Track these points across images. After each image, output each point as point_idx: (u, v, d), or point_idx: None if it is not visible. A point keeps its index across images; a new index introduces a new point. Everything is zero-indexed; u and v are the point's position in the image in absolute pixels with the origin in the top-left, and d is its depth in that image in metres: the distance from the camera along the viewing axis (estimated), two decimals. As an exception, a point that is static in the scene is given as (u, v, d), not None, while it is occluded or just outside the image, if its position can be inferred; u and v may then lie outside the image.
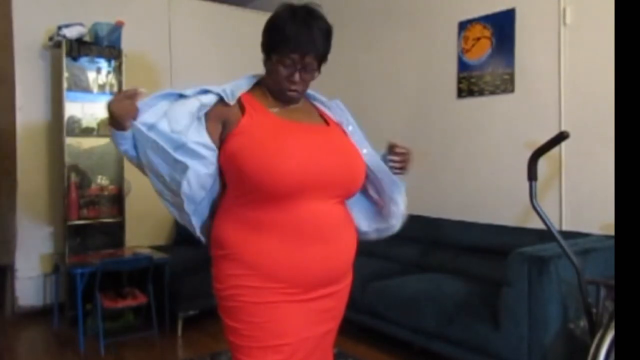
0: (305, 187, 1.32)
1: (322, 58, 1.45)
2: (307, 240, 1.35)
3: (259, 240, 1.34)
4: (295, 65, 1.39)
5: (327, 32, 1.45)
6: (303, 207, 1.33)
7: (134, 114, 1.33)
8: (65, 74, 3.88)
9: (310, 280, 1.38)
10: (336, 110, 1.57)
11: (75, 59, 3.97)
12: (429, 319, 2.87)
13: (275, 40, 1.40)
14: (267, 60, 1.45)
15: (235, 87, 1.43)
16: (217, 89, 1.40)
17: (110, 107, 1.32)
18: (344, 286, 1.49)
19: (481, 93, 3.58)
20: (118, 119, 1.32)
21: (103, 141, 4.22)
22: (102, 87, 4.15)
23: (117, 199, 4.10)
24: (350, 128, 1.55)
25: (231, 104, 1.38)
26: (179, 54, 4.65)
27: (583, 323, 2.37)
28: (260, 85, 1.48)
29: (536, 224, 2.74)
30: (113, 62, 4.12)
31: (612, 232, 2.65)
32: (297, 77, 1.41)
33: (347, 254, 1.46)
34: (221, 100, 1.39)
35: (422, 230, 3.77)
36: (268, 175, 1.29)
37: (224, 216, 1.41)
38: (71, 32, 3.85)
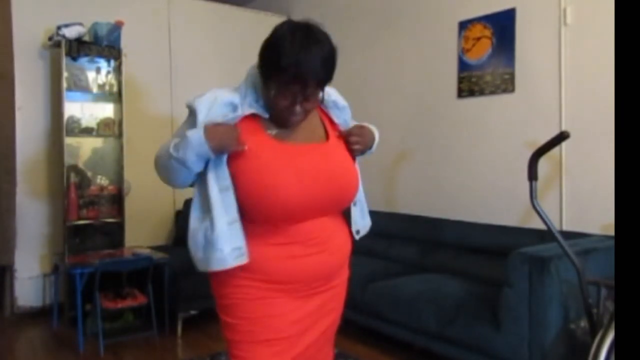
0: (300, 213, 1.36)
1: (325, 84, 1.37)
2: (304, 251, 1.39)
3: (258, 249, 1.37)
4: (296, 96, 1.30)
5: (329, 57, 1.33)
6: (299, 226, 1.38)
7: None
8: (65, 74, 3.88)
9: (307, 281, 1.43)
10: (335, 112, 1.54)
11: (74, 58, 3.97)
12: (429, 319, 2.87)
13: (273, 70, 1.29)
14: (264, 82, 1.35)
15: (242, 103, 1.38)
16: (238, 110, 1.36)
17: (223, 136, 1.30)
18: (340, 282, 1.53)
19: (481, 93, 3.57)
20: (223, 148, 1.31)
21: (103, 141, 4.22)
22: (101, 87, 4.14)
23: (117, 199, 4.09)
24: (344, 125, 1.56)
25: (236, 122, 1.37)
26: (179, 54, 4.65)
27: (584, 323, 2.37)
28: (257, 99, 1.39)
29: (536, 224, 2.74)
30: (113, 62, 4.12)
31: (612, 232, 2.65)
32: (297, 108, 1.33)
33: (341, 254, 1.51)
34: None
35: (422, 230, 3.77)
36: (261, 205, 1.33)
37: None
38: (71, 32, 3.85)
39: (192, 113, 1.37)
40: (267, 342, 1.38)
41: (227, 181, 1.33)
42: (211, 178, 1.33)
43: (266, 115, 1.38)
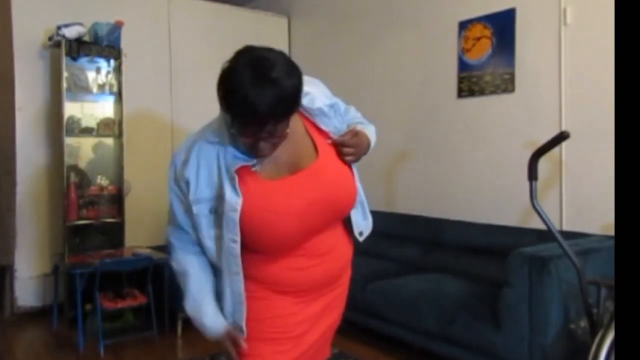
0: (301, 240, 1.36)
1: (286, 118, 1.22)
2: (309, 262, 1.39)
3: (265, 266, 1.38)
4: (257, 135, 1.20)
5: (287, 95, 1.18)
6: (303, 246, 1.38)
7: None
8: (65, 74, 3.88)
9: (313, 288, 1.43)
10: (323, 119, 1.41)
11: (74, 58, 3.97)
12: (429, 319, 2.87)
13: (228, 108, 1.19)
14: (229, 120, 1.25)
15: (224, 156, 1.31)
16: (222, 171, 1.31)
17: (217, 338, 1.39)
18: (343, 281, 1.54)
19: (481, 93, 3.57)
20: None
21: (102, 141, 4.22)
22: (101, 87, 4.15)
23: (117, 199, 4.09)
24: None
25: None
26: (179, 54, 4.65)
27: (584, 323, 2.37)
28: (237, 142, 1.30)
29: (536, 224, 2.74)
30: (113, 62, 4.12)
31: (612, 232, 2.65)
32: (261, 145, 1.23)
33: (344, 259, 1.51)
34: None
35: (422, 230, 3.77)
36: (260, 246, 1.34)
37: None
38: (70, 32, 3.85)
39: (181, 179, 1.33)
40: (274, 341, 1.39)
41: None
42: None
43: (253, 162, 1.30)
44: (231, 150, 1.30)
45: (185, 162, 1.32)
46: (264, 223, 1.29)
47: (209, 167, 1.30)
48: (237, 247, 1.30)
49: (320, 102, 1.39)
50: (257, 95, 1.13)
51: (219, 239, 1.33)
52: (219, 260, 1.35)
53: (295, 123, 1.33)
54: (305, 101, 1.33)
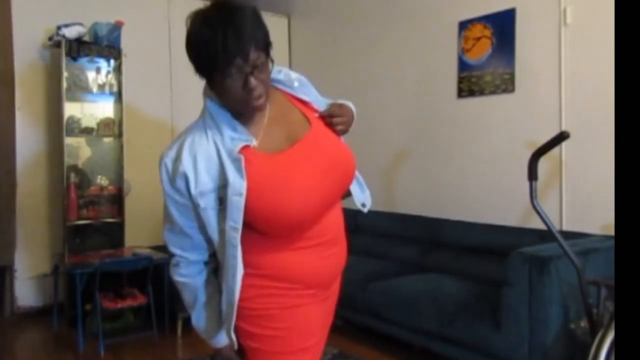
0: (315, 216, 1.31)
1: (265, 45, 1.22)
2: (325, 248, 1.36)
3: (279, 257, 1.32)
4: (243, 70, 1.18)
5: (253, 16, 1.20)
6: (316, 225, 1.33)
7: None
8: (65, 74, 3.88)
9: (327, 280, 1.40)
10: (303, 90, 1.41)
11: (74, 58, 3.97)
12: (429, 319, 2.87)
13: (207, 61, 1.18)
14: (211, 85, 1.25)
15: (222, 142, 1.27)
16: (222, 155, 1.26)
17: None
18: (338, 281, 1.52)
19: (481, 93, 3.57)
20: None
21: (102, 141, 4.22)
22: (101, 87, 4.15)
23: (117, 199, 4.09)
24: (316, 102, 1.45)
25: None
26: (179, 54, 4.63)
27: (584, 323, 2.37)
28: (230, 123, 1.28)
29: (537, 224, 2.74)
30: (112, 62, 4.12)
31: (612, 232, 2.65)
32: (252, 81, 1.19)
33: (346, 247, 1.48)
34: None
35: (422, 230, 3.77)
36: (276, 226, 1.27)
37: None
38: (70, 32, 3.85)
39: (177, 177, 1.26)
40: (303, 351, 1.35)
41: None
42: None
43: (252, 141, 1.28)
44: (228, 134, 1.26)
45: (178, 159, 1.25)
46: (277, 198, 1.23)
47: (207, 157, 1.25)
48: (238, 237, 1.24)
49: (294, 75, 1.41)
50: (229, 25, 1.14)
51: (223, 232, 1.27)
52: (222, 254, 1.30)
53: (278, 96, 1.36)
54: (280, 76, 1.36)
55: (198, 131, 1.28)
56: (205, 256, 1.38)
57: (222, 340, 1.39)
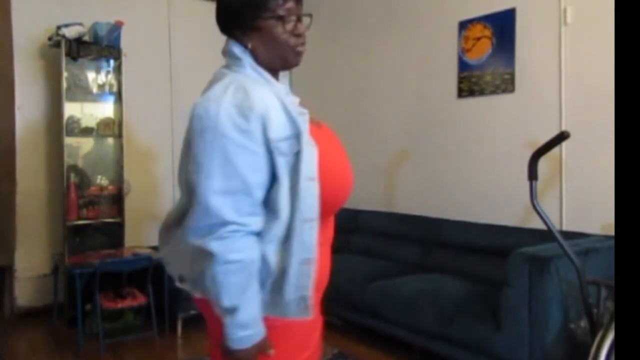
0: (347, 199, 1.28)
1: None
2: (330, 249, 1.34)
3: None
4: (295, 12, 1.20)
5: None
6: (331, 220, 1.31)
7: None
8: (65, 74, 3.88)
9: (325, 285, 1.34)
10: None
11: (74, 58, 3.97)
12: (430, 319, 2.87)
13: (259, 3, 1.17)
14: (253, 33, 1.19)
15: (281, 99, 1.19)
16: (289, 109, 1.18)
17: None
18: None
19: (482, 93, 3.57)
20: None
21: (102, 141, 4.22)
22: (101, 87, 4.15)
23: (117, 199, 4.09)
24: None
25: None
26: (179, 54, 4.65)
27: (584, 323, 2.37)
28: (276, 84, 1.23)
29: (537, 224, 2.74)
30: (112, 62, 4.12)
31: (612, 232, 2.65)
32: (301, 27, 1.22)
33: None
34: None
35: (422, 230, 3.77)
36: (327, 194, 1.18)
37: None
38: (70, 32, 3.85)
39: (250, 120, 1.11)
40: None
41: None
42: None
43: (296, 99, 1.22)
44: (281, 87, 1.22)
45: (247, 101, 1.11)
46: (333, 163, 1.21)
47: (275, 105, 1.15)
48: (316, 186, 1.13)
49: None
50: None
51: (295, 186, 1.13)
52: (285, 214, 1.13)
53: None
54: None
55: (250, 82, 1.18)
56: (260, 225, 1.14)
57: (262, 331, 1.16)
